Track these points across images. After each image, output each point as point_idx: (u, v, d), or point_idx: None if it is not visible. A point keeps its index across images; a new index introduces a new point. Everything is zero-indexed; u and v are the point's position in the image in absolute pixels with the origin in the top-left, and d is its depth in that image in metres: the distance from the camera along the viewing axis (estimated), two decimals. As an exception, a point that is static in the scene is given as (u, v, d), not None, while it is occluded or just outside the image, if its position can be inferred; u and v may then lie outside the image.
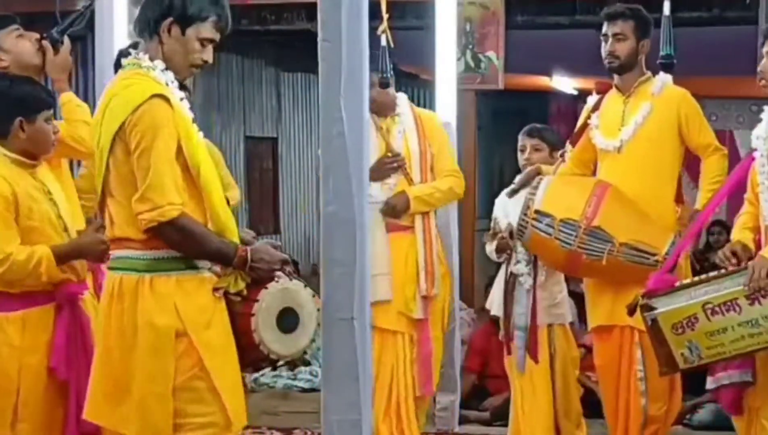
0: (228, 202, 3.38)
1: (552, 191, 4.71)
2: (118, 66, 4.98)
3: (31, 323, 3.74)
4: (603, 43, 4.86)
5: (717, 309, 3.80)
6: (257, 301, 3.42)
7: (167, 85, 3.28)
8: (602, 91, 5.01)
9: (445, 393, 6.17)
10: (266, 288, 3.42)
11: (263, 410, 6.64)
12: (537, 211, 4.65)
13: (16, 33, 4.10)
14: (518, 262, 5.07)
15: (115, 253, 3.34)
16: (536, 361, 4.99)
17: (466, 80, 6.93)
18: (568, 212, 4.61)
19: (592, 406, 5.44)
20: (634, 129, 4.78)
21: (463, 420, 6.34)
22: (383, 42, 4.41)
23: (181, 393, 3.17)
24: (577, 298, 5.40)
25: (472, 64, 6.98)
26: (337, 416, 3.01)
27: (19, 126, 3.74)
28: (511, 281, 5.09)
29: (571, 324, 5.34)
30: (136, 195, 3.15)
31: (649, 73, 4.88)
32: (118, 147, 3.20)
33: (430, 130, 5.09)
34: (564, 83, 9.74)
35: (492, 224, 5.25)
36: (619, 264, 4.53)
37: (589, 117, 4.95)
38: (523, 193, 5.30)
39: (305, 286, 3.52)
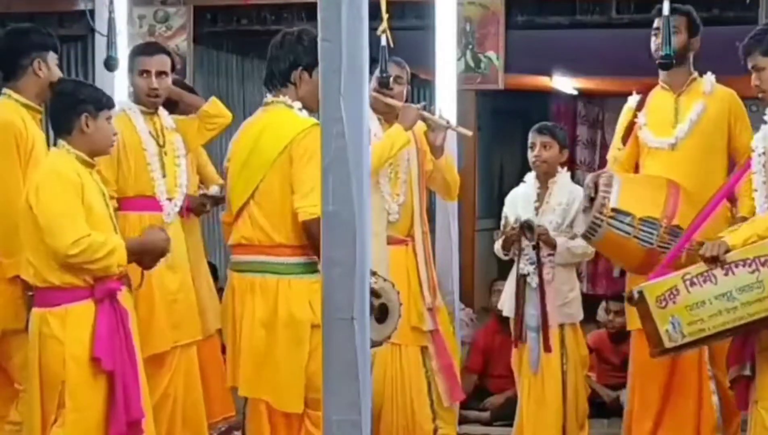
0: None
1: (627, 189, 4.62)
2: (109, 68, 5.13)
3: (72, 318, 3.95)
4: (653, 38, 4.82)
5: (695, 280, 3.99)
6: None
7: None
8: (642, 91, 5.00)
9: (445, 393, 6.17)
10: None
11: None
12: (614, 210, 4.56)
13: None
14: (525, 261, 5.07)
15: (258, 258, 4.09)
16: (550, 350, 4.99)
17: (466, 80, 6.93)
18: (647, 211, 4.54)
19: (593, 406, 5.45)
20: (690, 126, 4.80)
21: (463, 420, 6.35)
22: (383, 42, 4.41)
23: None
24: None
25: (472, 64, 6.98)
26: (337, 416, 3.02)
27: (85, 121, 4.04)
28: (521, 282, 5.08)
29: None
30: (301, 193, 3.92)
31: (696, 73, 4.92)
32: (284, 161, 4.00)
33: (419, 136, 5.05)
34: (564, 83, 9.73)
35: (502, 223, 5.24)
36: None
37: (634, 116, 4.95)
38: (523, 190, 5.30)
39: (393, 285, 4.23)
